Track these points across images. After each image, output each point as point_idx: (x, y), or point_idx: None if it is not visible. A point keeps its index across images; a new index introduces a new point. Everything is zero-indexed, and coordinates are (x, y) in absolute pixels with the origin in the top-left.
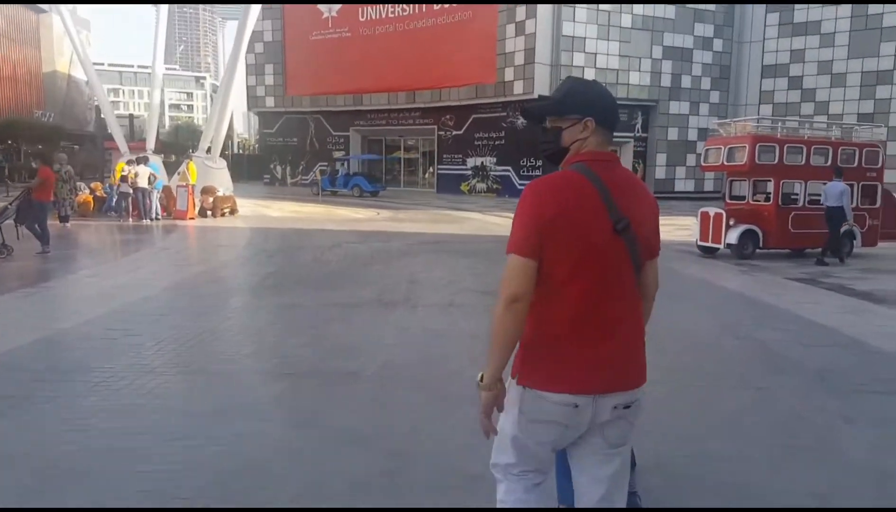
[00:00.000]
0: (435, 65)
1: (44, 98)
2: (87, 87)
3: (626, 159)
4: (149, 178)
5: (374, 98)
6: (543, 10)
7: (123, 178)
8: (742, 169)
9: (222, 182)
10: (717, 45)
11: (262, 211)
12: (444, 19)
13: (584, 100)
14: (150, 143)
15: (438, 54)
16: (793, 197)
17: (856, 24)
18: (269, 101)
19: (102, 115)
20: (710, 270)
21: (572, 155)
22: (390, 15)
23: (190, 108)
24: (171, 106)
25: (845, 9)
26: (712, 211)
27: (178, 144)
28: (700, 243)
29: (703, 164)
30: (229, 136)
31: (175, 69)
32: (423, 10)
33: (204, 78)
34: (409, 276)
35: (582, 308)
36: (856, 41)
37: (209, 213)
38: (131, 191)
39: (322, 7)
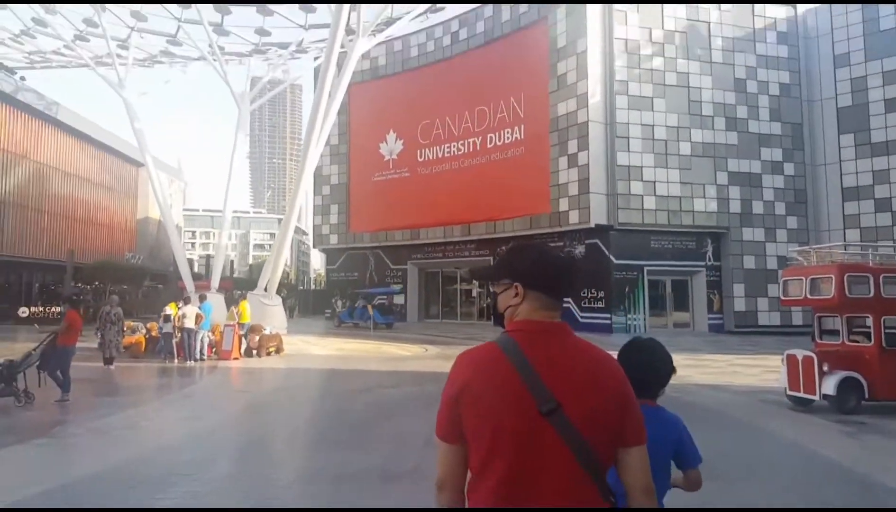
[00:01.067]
0: (489, 198)
1: (135, 242)
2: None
3: (699, 289)
4: (196, 318)
5: (431, 232)
6: (596, 141)
7: (166, 319)
8: (830, 303)
9: (276, 319)
10: (789, 168)
11: (308, 349)
12: (498, 156)
13: (513, 264)
14: (215, 283)
15: (493, 188)
16: None
17: None
18: (333, 239)
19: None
20: (804, 430)
21: (507, 322)
22: (446, 155)
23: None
24: (255, 245)
25: None
26: (801, 354)
27: (255, 282)
28: (790, 393)
29: (782, 297)
30: (305, 272)
31: (261, 212)
32: (478, 148)
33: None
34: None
35: (496, 504)
36: None
37: (255, 352)
38: (175, 331)
39: (384, 151)
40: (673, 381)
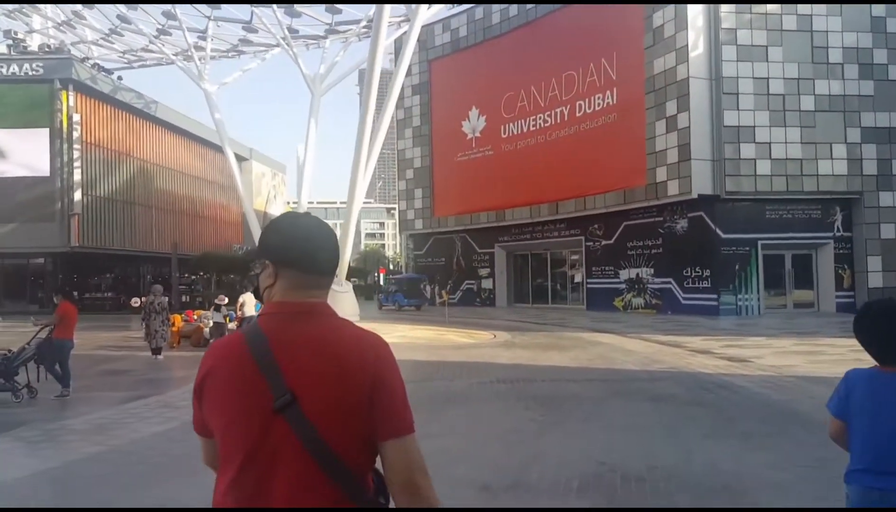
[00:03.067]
0: (579, 173)
1: (241, 233)
2: None
3: (826, 264)
4: (255, 306)
5: (518, 212)
6: (699, 101)
7: (216, 308)
8: None
9: (346, 306)
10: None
11: None
12: (588, 125)
13: (267, 240)
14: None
15: (582, 162)
16: None
17: None
18: (419, 224)
19: None
20: None
21: (265, 305)
22: (532, 128)
23: (382, 236)
24: (366, 234)
25: None
26: None
27: (366, 270)
28: None
29: None
30: (395, 260)
31: (370, 202)
32: (566, 118)
33: (394, 209)
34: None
35: (228, 504)
36: None
37: None
38: (226, 321)
39: (466, 129)
40: (771, 372)
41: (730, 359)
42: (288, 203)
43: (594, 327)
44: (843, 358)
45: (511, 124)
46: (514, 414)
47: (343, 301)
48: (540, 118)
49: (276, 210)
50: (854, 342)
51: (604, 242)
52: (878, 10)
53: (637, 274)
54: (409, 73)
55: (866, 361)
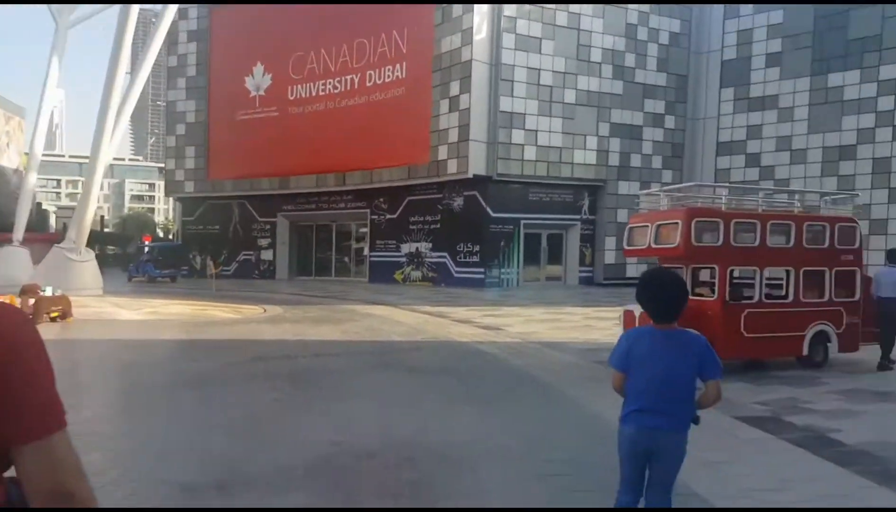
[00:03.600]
0: (367, 145)
1: None
2: (14, 175)
3: (573, 243)
4: None
5: (303, 180)
6: (480, 83)
7: None
8: (675, 253)
9: (86, 278)
10: (669, 121)
11: (116, 313)
12: (378, 96)
13: None
14: (18, 234)
15: (370, 133)
16: (745, 291)
17: (815, 97)
18: (189, 186)
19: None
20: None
21: None
22: (321, 93)
23: (152, 199)
24: (133, 197)
25: (804, 82)
26: (637, 309)
27: (127, 236)
28: None
29: (626, 246)
30: (165, 226)
31: (139, 160)
32: (356, 86)
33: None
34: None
35: None
36: (816, 115)
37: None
38: None
39: (250, 86)
40: (517, 339)
41: (486, 327)
42: (26, 154)
43: (372, 300)
44: (578, 325)
45: (299, 86)
46: (258, 396)
47: (82, 271)
48: (330, 83)
49: (10, 161)
50: (588, 311)
51: (388, 216)
52: (632, 17)
53: (417, 248)
54: (185, 17)
55: (596, 327)
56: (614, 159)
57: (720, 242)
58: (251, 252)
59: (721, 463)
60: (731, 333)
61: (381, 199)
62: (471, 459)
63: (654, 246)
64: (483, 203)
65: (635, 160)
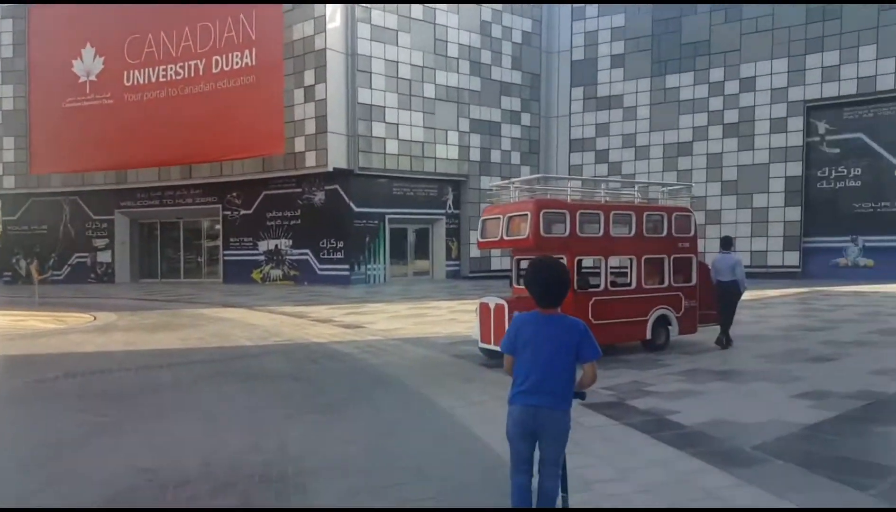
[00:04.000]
0: (215, 135)
1: None
2: None
3: (439, 237)
4: None
5: (143, 174)
6: (335, 74)
7: None
8: (526, 244)
9: None
10: (525, 118)
11: None
12: (226, 84)
13: None
14: None
15: (219, 123)
16: (591, 280)
17: (655, 97)
18: (9, 181)
19: None
20: (472, 388)
21: None
22: (162, 79)
23: None
24: None
25: (645, 83)
26: (493, 302)
27: None
28: (482, 346)
29: (479, 239)
30: None
31: None
32: (202, 72)
33: None
34: None
35: None
36: (656, 115)
37: None
38: None
39: (79, 70)
40: (379, 336)
41: (346, 326)
42: None
43: (224, 302)
44: (442, 319)
45: (136, 71)
46: (61, 418)
47: None
48: (171, 69)
49: None
50: (453, 304)
51: (243, 212)
52: (486, 14)
53: (276, 245)
54: None
55: (459, 320)
56: (475, 154)
57: (567, 233)
58: (86, 254)
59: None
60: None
61: (235, 194)
62: (303, 475)
63: (506, 238)
64: (345, 197)
65: (495, 156)
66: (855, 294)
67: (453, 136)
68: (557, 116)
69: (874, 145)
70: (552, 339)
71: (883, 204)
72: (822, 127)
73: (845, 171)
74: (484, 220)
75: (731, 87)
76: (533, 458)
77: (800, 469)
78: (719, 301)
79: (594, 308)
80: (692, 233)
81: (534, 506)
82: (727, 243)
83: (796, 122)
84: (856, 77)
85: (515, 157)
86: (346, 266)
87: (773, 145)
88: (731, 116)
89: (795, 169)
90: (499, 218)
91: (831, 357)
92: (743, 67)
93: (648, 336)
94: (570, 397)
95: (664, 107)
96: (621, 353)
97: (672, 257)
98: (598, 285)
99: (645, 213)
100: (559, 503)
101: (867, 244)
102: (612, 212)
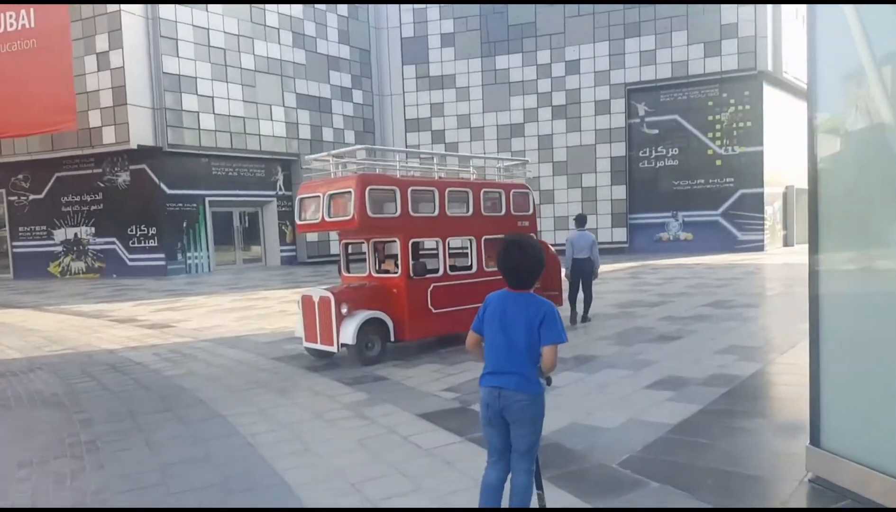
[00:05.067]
0: None
1: None
2: None
3: (271, 220)
4: None
5: None
6: (134, 39)
7: None
8: (351, 226)
9: None
10: (358, 96)
11: None
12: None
13: None
14: None
15: None
16: (428, 265)
17: (486, 78)
18: None
19: None
20: (285, 404)
21: None
22: None
23: None
24: None
25: (476, 63)
26: (317, 294)
27: None
28: (307, 345)
29: (297, 221)
30: None
31: None
32: None
33: None
34: None
35: None
36: (489, 95)
37: None
38: None
39: None
40: (188, 338)
41: (151, 326)
42: None
43: (7, 302)
44: (270, 312)
45: None
46: None
47: None
48: None
49: None
50: (286, 294)
51: (32, 197)
52: None
53: (76, 234)
54: None
55: (290, 311)
56: (305, 132)
57: (398, 213)
58: None
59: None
60: (419, 309)
61: (21, 176)
62: None
63: (328, 219)
64: (155, 178)
65: (327, 134)
66: (679, 266)
67: (279, 112)
68: (391, 95)
69: (688, 126)
70: (518, 319)
71: (698, 181)
72: (641, 109)
73: (664, 151)
74: (301, 199)
75: (558, 69)
76: (506, 450)
77: (682, 494)
78: (573, 279)
79: (433, 295)
80: (531, 210)
81: (508, 505)
82: (582, 221)
83: (619, 104)
84: (670, 61)
85: (349, 136)
86: (162, 255)
87: (599, 127)
88: (559, 98)
89: (619, 149)
90: (318, 196)
91: (675, 335)
92: (568, 50)
93: None
94: (536, 380)
95: (496, 88)
96: (463, 342)
97: None
98: (436, 270)
99: (482, 190)
100: (534, 502)
101: (686, 219)
102: (448, 189)
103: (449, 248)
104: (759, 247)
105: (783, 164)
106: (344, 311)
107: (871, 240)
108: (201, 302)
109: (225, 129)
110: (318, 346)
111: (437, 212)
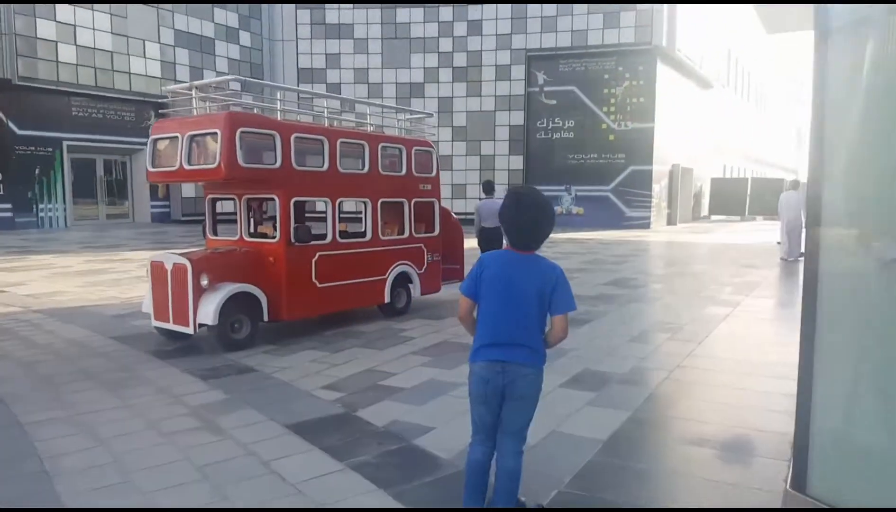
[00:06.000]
0: None
1: None
2: None
3: (141, 171)
4: None
5: None
6: None
7: None
8: (216, 176)
9: None
10: (245, 38)
11: None
12: None
13: None
14: None
15: None
16: (314, 230)
17: (387, 31)
18: None
19: None
20: (111, 403)
21: None
22: None
23: None
24: None
25: (375, 14)
26: (170, 261)
27: None
28: (157, 324)
29: (149, 168)
30: None
31: None
32: None
33: None
34: None
35: None
36: (388, 50)
37: None
38: None
39: None
40: (17, 307)
41: None
42: None
43: None
44: (127, 277)
45: None
46: None
47: None
48: None
49: None
50: (149, 256)
51: None
52: None
53: None
54: None
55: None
56: (183, 74)
57: (278, 164)
58: None
59: None
60: (301, 283)
61: None
62: None
63: (187, 167)
64: (3, 117)
65: (209, 78)
66: (572, 241)
67: (153, 49)
68: (283, 40)
69: (584, 99)
70: (528, 284)
71: (591, 155)
72: (541, 77)
73: (560, 122)
74: (154, 141)
75: (460, 28)
76: (495, 428)
77: None
78: (482, 249)
79: (319, 267)
80: (434, 172)
81: (497, 492)
82: (490, 188)
83: (519, 71)
84: (570, 30)
85: (235, 83)
86: (9, 205)
87: (499, 93)
88: (461, 59)
89: (518, 118)
90: (176, 138)
91: (584, 318)
92: (471, 10)
93: (387, 299)
94: (544, 351)
95: (396, 43)
96: (355, 322)
97: (413, 202)
98: (323, 237)
99: (380, 145)
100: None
101: (578, 193)
102: (340, 139)
103: (340, 212)
104: (645, 224)
105: (671, 143)
106: (204, 283)
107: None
108: (48, 262)
109: (88, 63)
110: (170, 326)
111: (326, 166)
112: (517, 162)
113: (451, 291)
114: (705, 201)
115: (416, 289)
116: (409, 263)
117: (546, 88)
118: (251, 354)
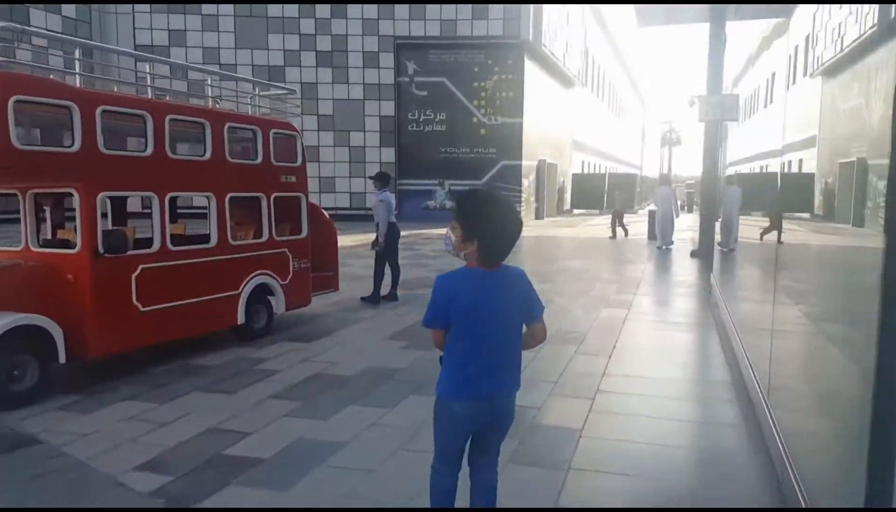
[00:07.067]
0: None
1: None
2: None
3: None
4: None
5: None
6: None
7: None
8: None
9: None
10: (69, 9)
11: None
12: None
13: None
14: None
15: None
16: (136, 234)
17: (240, 8)
18: None
19: None
20: None
21: None
22: None
23: None
24: None
25: None
26: None
27: None
28: None
29: None
30: None
31: None
32: None
33: None
34: None
35: None
36: (243, 29)
37: None
38: None
39: None
40: None
41: None
42: None
43: None
44: None
45: None
46: None
47: None
48: None
49: None
50: None
51: None
52: None
53: None
54: None
55: None
56: None
57: (77, 146)
58: None
59: None
60: (115, 307)
61: None
62: None
63: None
64: None
65: (25, 56)
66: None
67: None
68: (116, 13)
69: (455, 91)
70: (508, 299)
71: (463, 149)
72: (411, 67)
73: (432, 114)
74: None
75: (323, 10)
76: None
77: None
78: (388, 247)
79: (143, 284)
80: (300, 162)
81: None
82: (385, 179)
83: (388, 59)
84: (439, 18)
85: (56, 60)
86: None
87: (368, 81)
88: (324, 43)
89: (389, 108)
90: None
91: None
92: None
93: (241, 320)
94: (520, 371)
95: (251, 21)
96: (196, 351)
97: (273, 197)
98: (149, 244)
99: (227, 125)
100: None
101: (452, 188)
102: (170, 116)
103: (174, 211)
104: None
105: (538, 139)
106: None
107: None
108: None
109: None
110: None
111: (150, 150)
112: (389, 154)
113: (324, 302)
114: (567, 196)
115: (279, 304)
116: (270, 272)
117: (416, 79)
118: (38, 413)
